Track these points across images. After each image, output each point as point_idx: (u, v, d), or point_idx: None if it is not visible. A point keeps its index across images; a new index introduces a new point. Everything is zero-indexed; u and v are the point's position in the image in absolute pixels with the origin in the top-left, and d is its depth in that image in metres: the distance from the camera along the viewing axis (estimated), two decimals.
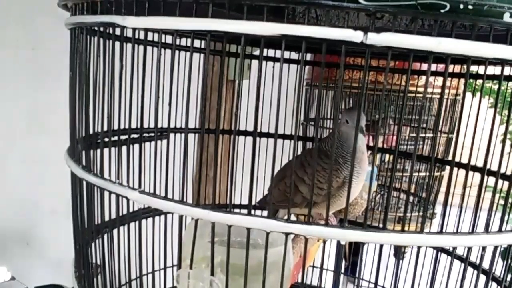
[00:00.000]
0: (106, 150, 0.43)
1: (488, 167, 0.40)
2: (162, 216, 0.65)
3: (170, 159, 0.40)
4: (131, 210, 0.43)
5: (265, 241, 0.36)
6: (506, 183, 0.42)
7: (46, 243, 1.30)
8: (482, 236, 0.36)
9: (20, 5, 1.17)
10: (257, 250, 0.47)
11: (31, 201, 1.26)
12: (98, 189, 0.44)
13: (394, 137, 1.11)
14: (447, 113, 1.21)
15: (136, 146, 0.40)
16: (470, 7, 0.31)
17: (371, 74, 1.10)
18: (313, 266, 0.87)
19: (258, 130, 0.37)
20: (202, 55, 0.67)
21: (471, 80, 0.89)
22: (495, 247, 0.40)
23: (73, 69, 0.47)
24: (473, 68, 0.70)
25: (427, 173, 1.19)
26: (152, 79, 0.40)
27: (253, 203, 0.37)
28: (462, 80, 1.09)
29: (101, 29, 0.42)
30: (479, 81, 0.84)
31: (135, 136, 0.42)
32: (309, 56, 0.90)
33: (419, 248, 0.38)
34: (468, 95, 0.94)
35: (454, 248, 0.47)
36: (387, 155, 1.06)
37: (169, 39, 0.54)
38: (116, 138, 0.45)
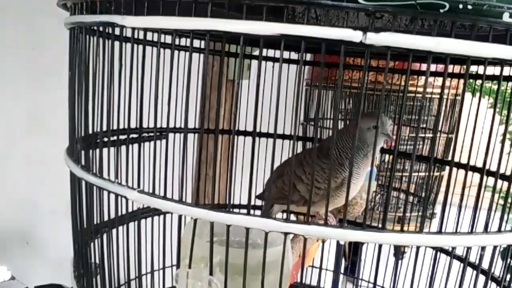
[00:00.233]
0: (105, 150, 0.43)
1: (487, 167, 0.40)
2: (161, 216, 0.65)
3: (169, 159, 0.40)
4: (130, 209, 0.43)
5: (264, 241, 0.36)
6: (506, 183, 0.42)
7: (46, 242, 1.30)
8: (482, 236, 0.36)
9: (20, 5, 1.17)
10: (256, 250, 0.47)
11: (31, 201, 1.26)
12: (97, 189, 0.44)
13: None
14: (446, 113, 1.21)
15: (135, 146, 0.40)
16: (469, 7, 0.31)
17: (370, 74, 1.10)
18: (312, 266, 0.87)
19: (258, 130, 0.37)
20: (201, 55, 0.67)
21: (471, 80, 0.89)
22: (495, 247, 0.40)
23: (73, 68, 0.47)
24: (473, 68, 0.70)
25: (427, 173, 1.18)
26: (151, 79, 0.40)
27: (252, 202, 0.37)
28: (462, 80, 1.09)
29: (100, 28, 0.42)
30: (479, 81, 0.84)
31: (134, 136, 0.42)
32: (308, 56, 0.90)
33: (418, 248, 0.38)
34: (468, 95, 0.94)
35: (454, 248, 0.47)
36: (387, 155, 1.06)
37: (168, 39, 0.54)
38: (115, 138, 0.45)
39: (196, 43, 0.43)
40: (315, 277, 0.91)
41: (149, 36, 0.40)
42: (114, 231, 0.46)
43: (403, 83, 1.04)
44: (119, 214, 0.44)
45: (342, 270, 1.33)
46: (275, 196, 0.70)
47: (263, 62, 0.70)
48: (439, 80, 1.15)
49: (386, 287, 0.81)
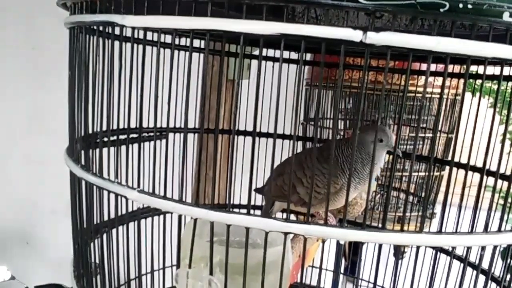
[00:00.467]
0: (105, 150, 0.43)
1: (487, 167, 0.40)
2: (161, 216, 0.65)
3: (169, 158, 0.40)
4: (130, 209, 0.43)
5: (264, 241, 0.36)
6: (506, 183, 0.42)
7: (46, 242, 1.30)
8: (482, 236, 0.36)
9: (20, 5, 1.17)
10: (256, 250, 0.47)
11: (31, 201, 1.26)
12: (97, 189, 0.44)
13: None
14: (446, 113, 1.21)
15: (135, 145, 0.40)
16: (469, 6, 0.31)
17: (370, 74, 1.10)
18: (312, 266, 0.87)
19: (258, 130, 0.37)
20: (201, 54, 0.67)
21: (471, 80, 0.89)
22: (495, 247, 0.40)
23: (72, 68, 0.47)
24: (473, 68, 0.70)
25: (427, 173, 1.18)
26: (151, 79, 0.40)
27: (253, 202, 0.37)
28: (462, 80, 1.09)
29: (100, 28, 0.42)
30: (479, 81, 0.84)
31: (134, 135, 0.42)
32: (308, 56, 0.90)
33: (418, 247, 0.38)
34: (468, 95, 0.94)
35: (454, 248, 0.47)
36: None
37: (168, 38, 0.54)
38: (115, 137, 0.45)
39: (196, 42, 0.43)
40: (315, 277, 0.91)
41: (149, 35, 0.40)
42: (114, 231, 0.46)
43: (403, 82, 1.04)
44: (119, 214, 0.44)
45: (342, 270, 1.33)
46: (274, 193, 0.70)
47: (263, 62, 0.70)
48: (439, 80, 1.15)
49: (386, 287, 0.81)
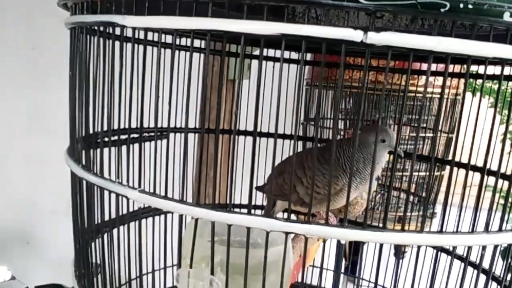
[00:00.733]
0: (106, 150, 0.43)
1: (488, 166, 0.40)
2: (162, 216, 0.65)
3: (170, 158, 0.40)
4: (131, 209, 0.43)
5: (265, 241, 0.36)
6: (506, 183, 0.42)
7: (46, 242, 1.30)
8: (482, 236, 0.36)
9: (20, 5, 1.17)
10: (257, 250, 0.47)
11: (31, 201, 1.26)
12: (98, 189, 0.44)
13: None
14: (447, 113, 1.21)
15: (136, 145, 0.40)
16: (470, 6, 0.31)
17: (371, 73, 1.10)
18: (313, 266, 0.88)
19: (258, 129, 0.37)
20: (202, 54, 0.67)
21: (471, 80, 0.89)
22: (495, 247, 0.40)
23: (73, 68, 0.47)
24: (473, 68, 0.70)
25: (427, 173, 1.18)
26: (152, 79, 0.40)
27: (253, 202, 0.37)
28: (462, 80, 1.09)
29: (101, 28, 0.42)
30: (479, 81, 0.84)
31: (135, 135, 0.42)
32: (309, 56, 0.90)
33: (419, 247, 0.38)
34: (468, 94, 0.94)
35: (454, 248, 0.47)
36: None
37: (169, 38, 0.54)
38: (116, 137, 0.45)
39: (197, 43, 0.43)
40: (316, 277, 0.91)
41: (149, 36, 0.40)
42: (115, 230, 0.46)
43: (403, 82, 1.04)
44: (120, 213, 0.44)
45: (342, 270, 1.33)
46: (275, 192, 0.70)
47: (264, 62, 0.70)
48: (439, 80, 1.15)
49: (387, 287, 0.81)
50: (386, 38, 0.31)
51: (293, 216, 0.77)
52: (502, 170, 0.44)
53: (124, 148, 0.42)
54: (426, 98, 1.16)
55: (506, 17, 0.32)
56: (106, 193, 0.43)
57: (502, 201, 0.43)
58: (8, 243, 1.26)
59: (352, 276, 1.24)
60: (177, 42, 0.61)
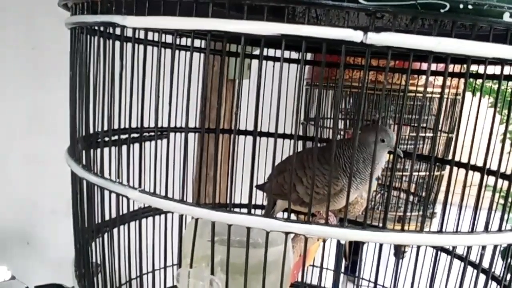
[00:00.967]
0: (106, 150, 0.43)
1: (488, 166, 0.41)
2: (162, 216, 0.65)
3: (170, 158, 0.40)
4: (131, 209, 0.43)
5: (265, 241, 0.36)
6: (506, 183, 0.42)
7: (46, 242, 1.30)
8: (482, 236, 0.36)
9: (20, 5, 1.17)
10: (257, 249, 0.47)
11: (31, 201, 1.26)
12: (98, 188, 0.44)
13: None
14: (447, 113, 1.21)
15: (136, 145, 0.40)
16: (470, 7, 0.31)
17: (371, 73, 1.10)
18: (313, 265, 0.88)
19: (258, 129, 0.37)
20: (202, 54, 0.67)
21: (471, 80, 0.89)
22: (495, 246, 0.40)
23: (73, 68, 0.47)
24: (473, 68, 0.70)
25: (427, 173, 1.19)
26: (152, 79, 0.40)
27: (253, 202, 0.37)
28: (462, 80, 1.09)
29: (101, 28, 0.42)
30: (479, 81, 0.84)
31: (135, 135, 0.42)
32: (309, 56, 0.90)
33: (419, 247, 0.38)
34: (468, 94, 0.94)
35: (454, 247, 0.47)
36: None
37: (169, 38, 0.54)
38: (116, 137, 0.45)
39: (197, 42, 0.43)
40: (316, 277, 0.91)
41: (150, 36, 0.40)
42: (115, 230, 0.46)
43: (403, 82, 1.04)
44: (120, 213, 0.44)
45: (342, 270, 1.33)
46: (275, 191, 0.70)
47: (264, 62, 0.70)
48: (439, 80, 1.15)
49: (387, 287, 0.81)
50: (386, 38, 0.31)
51: (293, 216, 0.77)
52: (502, 170, 0.44)
53: (124, 148, 0.42)
54: (426, 98, 1.16)
55: (506, 17, 0.32)
56: (106, 193, 0.43)
57: (502, 201, 0.43)
58: (8, 243, 1.26)
59: (352, 276, 1.24)
60: (177, 42, 0.61)
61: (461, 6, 0.31)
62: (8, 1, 1.16)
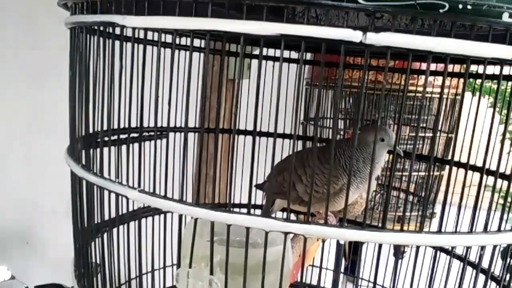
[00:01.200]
0: (105, 149, 0.43)
1: (487, 166, 0.41)
2: (162, 215, 0.65)
3: (169, 158, 0.40)
4: (130, 209, 0.43)
5: (264, 241, 0.36)
6: (506, 183, 0.42)
7: (46, 242, 1.30)
8: (481, 236, 0.36)
9: (20, 5, 1.17)
10: (257, 249, 0.47)
11: (31, 201, 1.26)
12: (98, 188, 0.44)
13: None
14: (446, 113, 1.21)
15: (136, 145, 0.40)
16: (469, 7, 0.31)
17: (370, 73, 1.10)
18: (313, 265, 0.87)
19: (258, 129, 0.37)
20: (202, 54, 0.67)
21: (471, 80, 0.89)
22: (494, 247, 0.40)
23: (73, 68, 0.47)
24: (473, 68, 0.70)
25: (427, 173, 1.19)
26: (151, 78, 0.40)
27: (253, 202, 0.37)
28: (462, 80, 1.09)
29: (101, 28, 0.42)
30: (479, 81, 0.84)
31: (135, 135, 0.42)
32: (308, 56, 0.90)
33: (418, 247, 0.38)
34: (468, 94, 0.94)
35: (453, 248, 0.47)
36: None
37: (169, 38, 0.54)
38: (115, 137, 0.45)
39: (197, 42, 0.43)
40: (315, 277, 0.91)
41: (149, 35, 0.40)
42: (114, 230, 0.46)
43: (403, 82, 1.04)
44: (120, 213, 0.44)
45: (342, 270, 1.33)
46: (274, 190, 0.70)
47: (263, 62, 0.70)
48: (439, 80, 1.15)
49: (386, 287, 0.81)
50: (385, 38, 0.31)
51: (292, 216, 0.77)
52: (501, 170, 0.44)
53: (124, 147, 0.42)
54: (425, 98, 1.16)
55: (505, 17, 0.32)
56: (106, 192, 0.43)
57: (501, 201, 0.43)
58: (8, 243, 1.26)
59: (352, 276, 1.24)
60: (177, 42, 0.61)
61: (460, 6, 0.31)
62: (8, 1, 1.16)
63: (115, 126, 0.43)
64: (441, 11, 0.31)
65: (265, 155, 0.62)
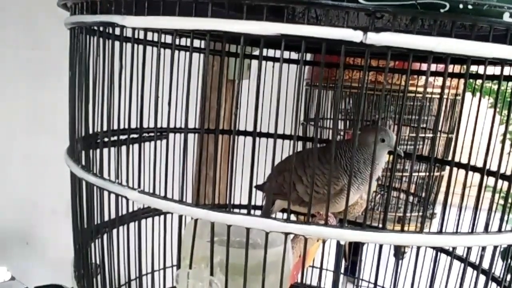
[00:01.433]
0: (105, 150, 0.43)
1: (487, 167, 0.40)
2: (162, 216, 0.65)
3: (169, 159, 0.40)
4: (130, 210, 0.43)
5: (265, 241, 0.36)
6: (506, 183, 0.42)
7: (46, 243, 1.30)
8: (482, 236, 0.36)
9: (20, 5, 1.17)
10: (257, 250, 0.47)
11: (31, 201, 1.26)
12: (98, 189, 0.44)
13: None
14: (447, 113, 1.21)
15: (136, 146, 0.40)
16: (469, 7, 0.31)
17: (371, 74, 1.10)
18: (313, 266, 0.87)
19: (258, 130, 0.37)
20: (201, 55, 0.67)
21: (471, 80, 0.89)
22: (495, 247, 0.40)
23: (73, 68, 0.47)
24: (473, 68, 0.70)
25: (427, 173, 1.18)
26: (151, 79, 0.40)
27: (253, 202, 0.37)
28: (462, 80, 1.09)
29: (101, 28, 0.42)
30: (479, 81, 0.84)
31: (135, 136, 0.42)
32: (309, 56, 0.90)
33: (418, 248, 0.38)
34: (468, 95, 0.94)
35: (454, 248, 0.47)
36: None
37: (168, 38, 0.54)
38: (115, 138, 0.45)
39: (196, 43, 0.43)
40: (315, 277, 0.91)
41: (149, 36, 0.40)
42: (114, 231, 0.46)
43: (403, 83, 1.04)
44: (120, 214, 0.44)
45: (342, 270, 1.33)
46: (274, 190, 0.70)
47: (263, 62, 0.70)
48: (439, 80, 1.15)
49: (387, 287, 0.81)
50: (385, 38, 0.31)
51: (292, 217, 0.77)
52: (502, 171, 0.44)
53: (123, 148, 0.42)
54: (426, 98, 1.16)
55: (506, 17, 0.32)
56: (105, 193, 0.43)
57: (501, 202, 0.43)
58: (8, 243, 1.26)
59: (352, 277, 1.24)
60: (177, 42, 0.61)
61: (461, 6, 0.31)
62: (8, 1, 1.16)
63: (115, 127, 0.43)
64: (441, 11, 0.31)
65: (265, 155, 0.62)
